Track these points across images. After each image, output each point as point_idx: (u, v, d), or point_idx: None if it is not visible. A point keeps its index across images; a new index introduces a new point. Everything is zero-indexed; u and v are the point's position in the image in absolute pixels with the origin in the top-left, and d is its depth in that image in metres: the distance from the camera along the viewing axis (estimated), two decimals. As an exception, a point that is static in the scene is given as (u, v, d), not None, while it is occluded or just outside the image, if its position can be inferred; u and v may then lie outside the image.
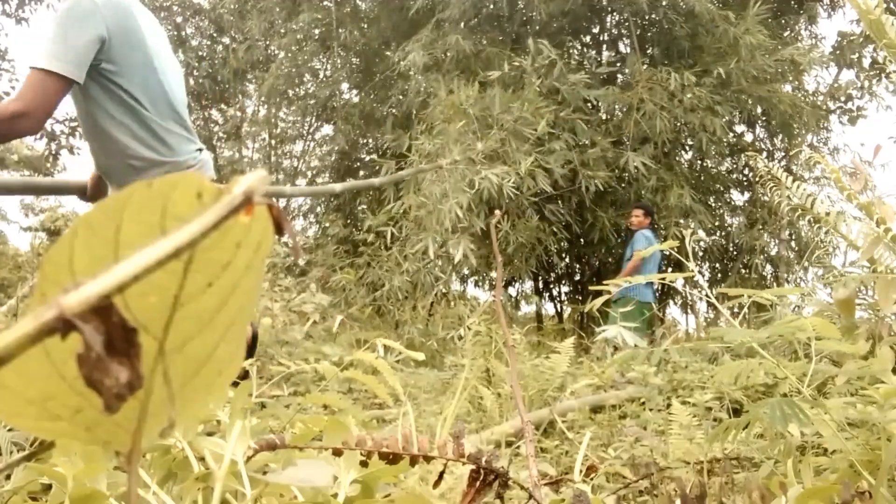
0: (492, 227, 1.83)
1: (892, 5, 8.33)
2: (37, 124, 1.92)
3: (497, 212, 2.29)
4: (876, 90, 9.47)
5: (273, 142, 12.47)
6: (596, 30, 9.54)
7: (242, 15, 11.75)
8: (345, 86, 10.97)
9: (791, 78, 8.85)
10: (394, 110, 9.83)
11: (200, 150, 2.23)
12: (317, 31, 10.65)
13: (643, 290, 6.25)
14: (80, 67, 1.95)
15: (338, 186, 3.73)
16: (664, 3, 8.13)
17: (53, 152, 13.73)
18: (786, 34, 9.11)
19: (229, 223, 0.28)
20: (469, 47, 8.06)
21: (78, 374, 0.27)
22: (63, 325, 0.24)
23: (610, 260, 8.86)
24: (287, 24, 10.94)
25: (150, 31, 2.14)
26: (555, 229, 7.80)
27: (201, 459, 0.93)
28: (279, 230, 0.31)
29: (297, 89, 11.37)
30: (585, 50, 9.79)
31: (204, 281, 0.32)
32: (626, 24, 8.79)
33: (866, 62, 9.40)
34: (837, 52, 9.33)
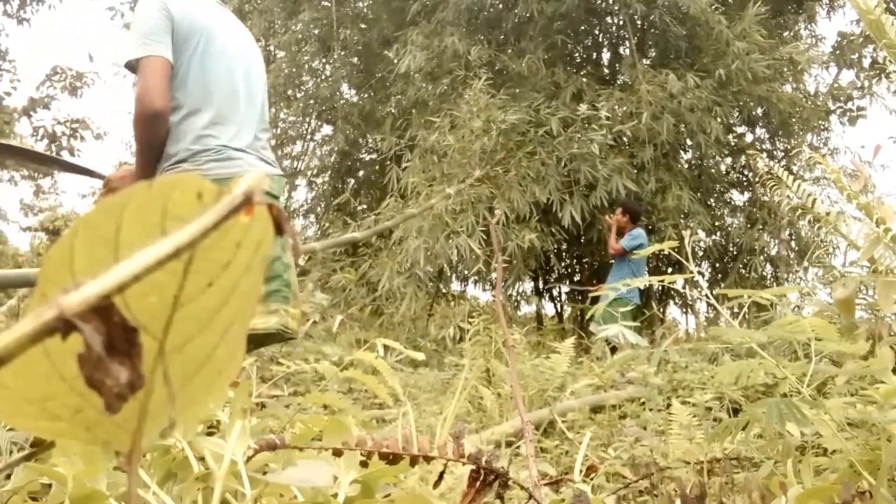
0: (492, 227, 1.83)
1: (892, 5, 8.33)
2: (153, 106, 1.96)
3: (497, 211, 2.29)
4: (876, 90, 9.48)
5: (273, 142, 12.47)
6: (596, 32, 9.54)
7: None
8: (345, 86, 10.98)
9: (790, 78, 8.85)
10: (393, 110, 9.84)
11: (213, 150, 2.07)
12: (316, 31, 10.65)
13: (633, 292, 6.26)
14: (160, 45, 2.00)
15: (318, 245, 3.83)
16: (660, 5, 8.13)
17: (54, 153, 13.74)
18: (785, 34, 9.11)
19: (229, 223, 0.28)
20: (464, 49, 8.07)
21: (78, 374, 0.27)
22: (63, 325, 0.25)
23: (610, 261, 8.86)
24: (287, 23, 10.95)
25: (213, 22, 2.14)
26: (553, 230, 7.81)
27: (201, 459, 0.93)
28: (279, 230, 0.31)
29: (297, 89, 11.37)
30: (584, 52, 9.80)
31: (204, 281, 0.32)
32: (624, 26, 8.79)
33: (866, 62, 9.40)
34: (837, 52, 9.33)
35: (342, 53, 10.56)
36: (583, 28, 9.23)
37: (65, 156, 13.90)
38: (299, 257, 6.48)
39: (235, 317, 0.34)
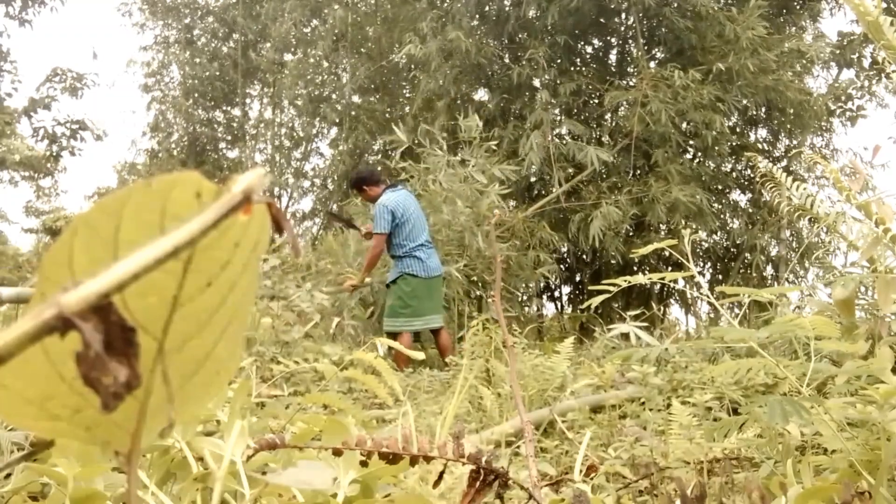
0: (491, 227, 1.83)
1: (891, 5, 8.34)
2: None
3: (496, 211, 2.29)
4: (876, 90, 9.49)
5: (278, 143, 12.51)
6: (604, 31, 9.56)
7: (253, 17, 11.83)
8: (352, 88, 11.01)
9: (798, 67, 8.85)
10: (400, 113, 9.93)
11: None
12: (325, 34, 10.68)
13: (412, 263, 5.21)
14: None
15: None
16: (669, 2, 8.16)
17: (54, 154, 13.74)
18: (786, 31, 9.14)
19: (228, 222, 0.28)
20: (469, 45, 8.10)
21: (77, 374, 0.27)
22: (62, 324, 0.25)
23: (613, 262, 8.87)
24: (297, 27, 11.00)
25: None
26: (556, 234, 7.85)
27: (200, 460, 0.93)
28: (278, 229, 0.31)
29: (304, 91, 11.39)
30: (592, 50, 9.83)
31: (203, 280, 0.32)
32: (633, 24, 8.80)
33: (866, 63, 9.41)
34: (838, 52, 9.34)
35: (350, 56, 10.62)
36: (591, 25, 9.24)
37: (65, 157, 13.91)
38: (299, 257, 6.45)
39: (234, 316, 0.35)
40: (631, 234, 8.60)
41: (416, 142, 7.48)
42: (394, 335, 5.06)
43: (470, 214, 6.06)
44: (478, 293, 6.66)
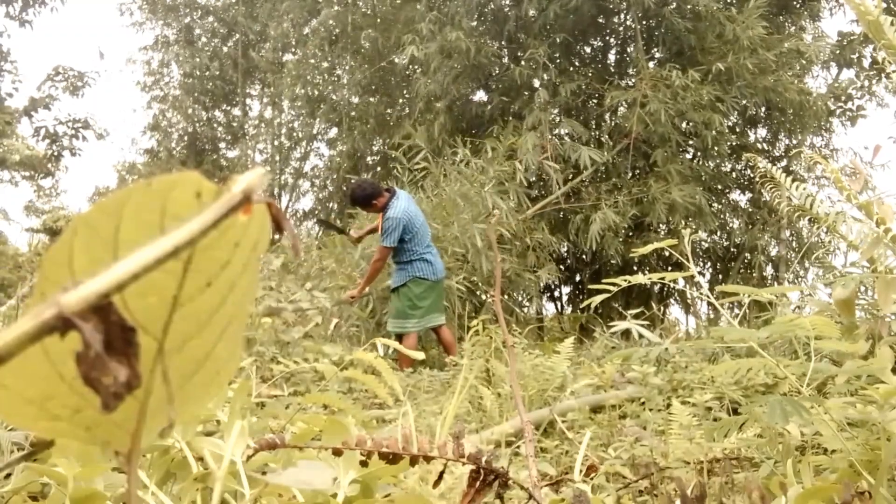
0: (490, 227, 1.83)
1: (891, 5, 8.34)
2: None
3: (496, 211, 2.28)
4: (876, 90, 9.49)
5: (278, 143, 12.52)
6: (604, 31, 9.56)
7: (254, 17, 11.83)
8: (353, 89, 11.02)
9: (797, 67, 8.84)
10: (398, 114, 9.94)
11: None
12: (325, 34, 10.69)
13: (422, 267, 5.23)
14: None
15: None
16: (671, 4, 8.17)
17: (55, 154, 13.74)
18: (786, 31, 9.14)
19: (228, 222, 0.28)
20: (469, 45, 8.11)
21: (77, 374, 0.27)
22: (62, 324, 0.25)
23: (612, 262, 8.88)
24: (297, 27, 11.00)
25: None
26: (555, 236, 7.87)
27: (200, 460, 0.93)
28: (279, 229, 0.31)
29: (305, 91, 11.39)
30: (591, 51, 9.84)
31: (203, 280, 0.32)
32: (632, 24, 8.81)
33: (866, 62, 9.42)
34: (838, 52, 9.35)
35: (350, 57, 10.63)
36: (590, 26, 9.25)
37: (66, 156, 13.91)
38: (299, 257, 6.44)
39: (233, 316, 0.34)
40: (631, 234, 8.60)
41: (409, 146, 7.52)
42: (400, 336, 5.09)
43: (475, 216, 6.08)
44: (478, 293, 6.66)
